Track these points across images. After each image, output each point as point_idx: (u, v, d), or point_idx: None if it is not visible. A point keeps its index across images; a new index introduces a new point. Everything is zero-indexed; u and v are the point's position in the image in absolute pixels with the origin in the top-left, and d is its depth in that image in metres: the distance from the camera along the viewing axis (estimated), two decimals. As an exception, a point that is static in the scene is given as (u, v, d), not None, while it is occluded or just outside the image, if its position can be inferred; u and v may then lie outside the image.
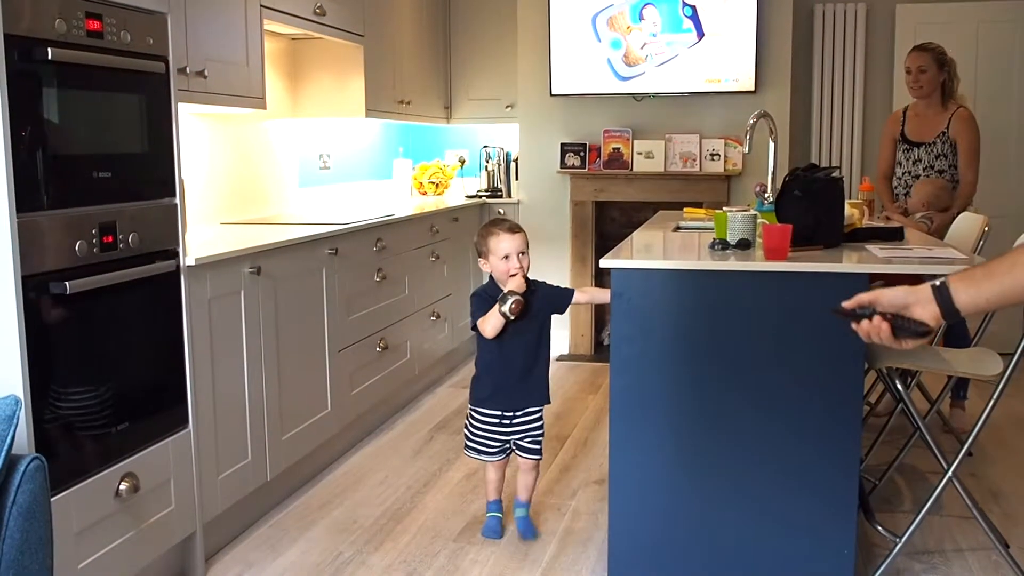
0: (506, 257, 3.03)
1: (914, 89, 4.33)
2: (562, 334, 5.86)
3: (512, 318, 2.96)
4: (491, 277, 3.12)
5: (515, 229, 3.09)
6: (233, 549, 3.11)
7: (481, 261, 3.14)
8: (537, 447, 3.16)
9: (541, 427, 3.16)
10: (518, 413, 3.12)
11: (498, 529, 3.17)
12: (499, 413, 3.11)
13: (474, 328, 3.08)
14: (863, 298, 1.58)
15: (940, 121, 4.28)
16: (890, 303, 1.56)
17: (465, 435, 3.19)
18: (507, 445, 3.15)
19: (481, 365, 3.15)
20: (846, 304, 1.61)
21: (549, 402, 3.17)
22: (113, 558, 2.50)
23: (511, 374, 3.09)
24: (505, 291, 2.99)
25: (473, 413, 3.15)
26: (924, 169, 4.30)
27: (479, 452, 3.16)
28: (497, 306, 2.96)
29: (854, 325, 1.59)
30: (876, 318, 1.55)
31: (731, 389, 2.62)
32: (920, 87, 4.29)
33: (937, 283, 1.54)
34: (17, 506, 1.79)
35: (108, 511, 2.47)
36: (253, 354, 3.18)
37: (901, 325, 1.54)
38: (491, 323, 2.99)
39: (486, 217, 5.91)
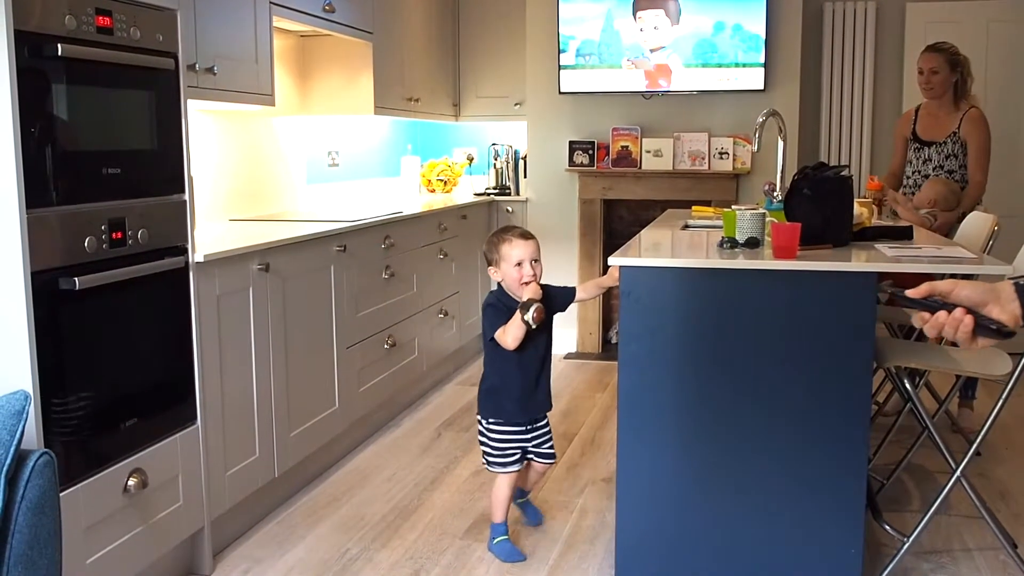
0: (519, 264, 2.94)
1: (926, 90, 4.31)
2: (570, 332, 5.86)
3: (535, 327, 2.84)
4: (499, 285, 3.03)
5: (527, 235, 3.00)
6: (241, 545, 3.12)
7: (491, 269, 3.03)
8: (553, 451, 3.12)
9: (551, 429, 3.13)
10: (537, 422, 3.06)
11: (513, 549, 3.02)
12: (523, 427, 3.02)
13: (491, 340, 2.94)
14: (939, 287, 1.45)
15: (952, 121, 4.26)
16: (966, 297, 1.44)
17: (484, 452, 3.03)
18: (524, 455, 3.06)
19: (497, 378, 3.00)
20: (913, 293, 1.46)
21: (552, 406, 3.12)
22: (121, 553, 2.51)
23: (528, 383, 2.99)
24: (524, 299, 2.87)
25: (489, 430, 3.01)
26: (934, 169, 4.28)
27: (504, 465, 3.01)
28: (519, 314, 2.84)
29: (922, 316, 1.45)
30: (959, 311, 1.42)
31: (739, 388, 2.62)
32: (932, 88, 4.27)
33: (1022, 281, 1.44)
34: (26, 501, 1.80)
35: (116, 507, 2.48)
36: (261, 351, 3.19)
37: (981, 323, 1.42)
38: (513, 334, 2.87)
39: (494, 215, 5.91)
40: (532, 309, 2.82)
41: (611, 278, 3.01)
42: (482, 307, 3.03)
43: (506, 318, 2.89)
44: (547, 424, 3.09)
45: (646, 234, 3.39)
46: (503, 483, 3.03)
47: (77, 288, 2.28)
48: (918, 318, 1.47)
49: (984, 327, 1.42)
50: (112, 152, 2.46)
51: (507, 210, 5.89)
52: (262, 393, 3.20)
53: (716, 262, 2.62)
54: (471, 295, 5.57)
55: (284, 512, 3.39)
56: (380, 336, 4.21)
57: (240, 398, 3.08)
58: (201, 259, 2.81)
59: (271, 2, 3.69)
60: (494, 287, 3.10)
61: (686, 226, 3.71)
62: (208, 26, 3.27)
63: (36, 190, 2.18)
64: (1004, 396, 2.71)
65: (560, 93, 5.64)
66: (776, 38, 5.41)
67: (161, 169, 2.67)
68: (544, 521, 3.23)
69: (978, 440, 2.79)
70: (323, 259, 3.64)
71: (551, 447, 3.10)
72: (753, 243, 2.79)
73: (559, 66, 5.57)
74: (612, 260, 2.65)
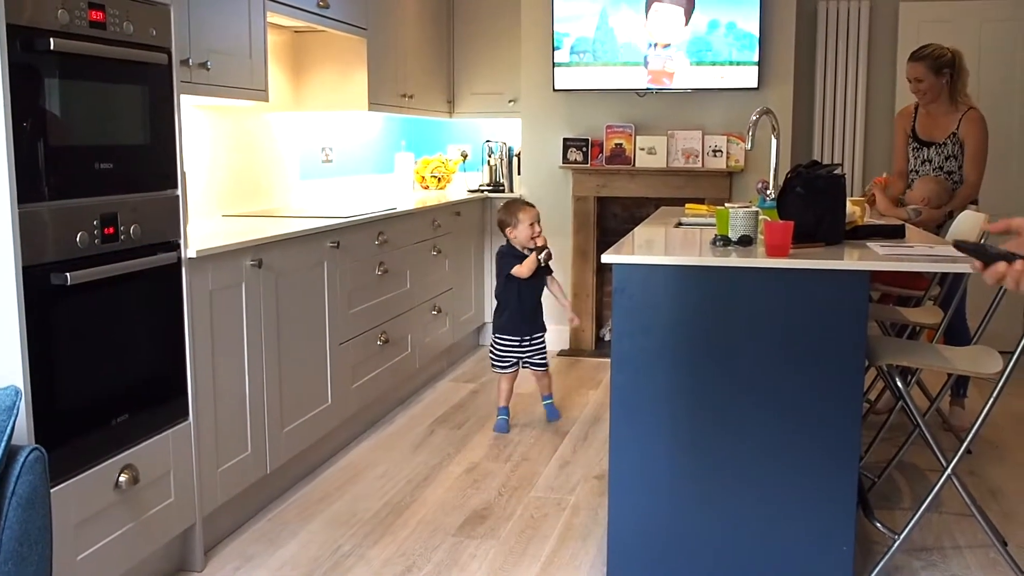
0: (531, 224, 4.29)
1: (918, 96, 4.30)
2: (563, 329, 5.85)
3: (544, 264, 4.29)
4: (508, 242, 4.36)
5: (532, 205, 4.41)
6: (232, 542, 3.11)
7: (508, 229, 4.33)
8: (543, 361, 4.43)
9: (544, 347, 4.43)
10: (529, 338, 4.35)
11: (506, 427, 4.29)
12: (517, 339, 4.33)
13: (507, 277, 4.30)
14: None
15: (950, 122, 4.23)
16: None
17: (490, 359, 4.42)
18: (518, 362, 4.37)
19: (506, 306, 4.36)
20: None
21: (546, 329, 4.45)
22: (112, 550, 2.50)
23: (526, 309, 4.33)
24: (538, 246, 4.29)
25: (497, 339, 4.37)
26: (933, 170, 4.27)
27: (503, 369, 4.37)
28: (534, 255, 4.26)
29: (977, 266, 1.45)
30: (1020, 263, 1.40)
31: (731, 385, 2.62)
32: (923, 94, 4.25)
33: None
34: (16, 497, 1.80)
35: (107, 503, 2.48)
36: (254, 347, 3.18)
37: None
38: (528, 267, 4.26)
39: (488, 212, 5.92)
40: (544, 252, 4.29)
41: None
42: (498, 255, 4.39)
43: (517, 260, 4.29)
44: (540, 342, 4.41)
45: (639, 231, 3.39)
46: (502, 381, 4.38)
47: (69, 283, 2.28)
48: (972, 266, 1.45)
49: None
50: (104, 147, 2.45)
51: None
52: (254, 389, 3.20)
53: (709, 260, 2.62)
54: (464, 292, 5.57)
55: (276, 509, 3.38)
56: (373, 332, 4.21)
57: (232, 394, 3.07)
58: (194, 255, 2.80)
59: (265, -3, 3.68)
60: (504, 245, 4.43)
61: (679, 224, 3.71)
62: (202, 21, 3.26)
63: (28, 185, 2.17)
64: (995, 394, 2.71)
65: (554, 90, 5.64)
66: (770, 36, 5.41)
67: (154, 164, 2.66)
68: (560, 417, 4.45)
69: (969, 438, 2.80)
70: (316, 255, 3.64)
71: (542, 359, 4.43)
72: (746, 241, 2.80)
73: (553, 63, 5.57)
74: (606, 258, 2.65)
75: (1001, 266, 1.41)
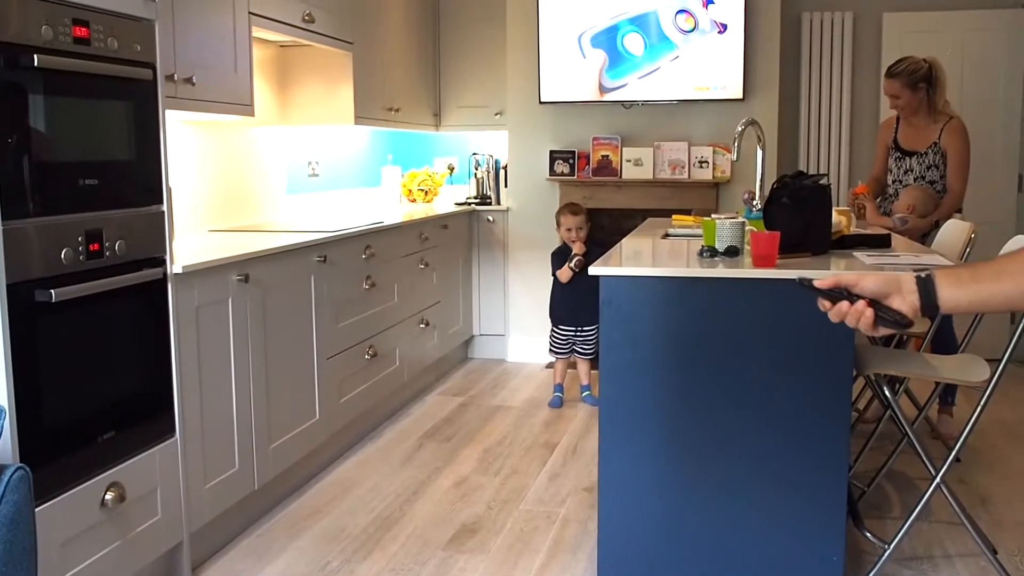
0: (568, 230, 4.86)
1: (897, 111, 4.35)
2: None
3: (577, 271, 4.78)
4: (563, 241, 4.96)
5: (576, 212, 4.90)
6: (220, 559, 3.09)
7: (557, 228, 5.01)
8: (589, 349, 4.93)
9: (594, 339, 4.82)
10: (583, 328, 4.91)
11: (559, 403, 4.90)
12: (573, 329, 4.93)
13: (554, 275, 4.95)
14: (844, 279, 1.53)
15: (932, 132, 4.26)
16: (871, 290, 1.52)
17: (550, 344, 5.04)
18: (572, 349, 4.97)
19: (558, 299, 4.98)
20: (821, 283, 1.55)
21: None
22: (99, 569, 2.48)
23: (572, 304, 4.89)
24: (572, 253, 4.81)
25: (554, 330, 5.00)
26: (915, 179, 4.30)
27: (557, 353, 5.00)
28: (567, 266, 4.82)
29: (826, 305, 1.54)
30: (860, 303, 1.50)
31: (720, 396, 2.62)
32: (902, 110, 4.30)
33: (923, 275, 1.50)
34: (1, 516, 1.78)
35: (94, 521, 2.46)
36: (241, 362, 3.17)
37: (881, 314, 1.49)
38: (564, 274, 4.86)
39: (475, 224, 5.92)
40: (573, 261, 4.79)
41: None
42: (552, 253, 5.00)
43: (561, 262, 4.88)
44: (592, 333, 4.89)
45: (627, 243, 3.39)
46: (558, 364, 5.02)
47: (53, 300, 2.26)
48: (821, 305, 1.56)
49: (884, 318, 1.49)
50: (89, 163, 2.44)
51: (488, 219, 5.89)
52: (242, 405, 3.18)
53: (696, 271, 2.62)
54: (452, 305, 5.56)
55: (264, 525, 3.36)
56: (361, 346, 4.19)
57: (219, 410, 3.06)
58: (179, 270, 2.79)
59: (250, 12, 3.68)
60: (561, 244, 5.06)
61: (666, 235, 3.72)
62: (187, 36, 3.25)
63: (12, 201, 2.16)
64: (983, 402, 2.72)
65: (540, 103, 5.65)
66: (754, 47, 5.44)
67: (139, 180, 2.65)
68: (598, 403, 4.12)
69: (958, 446, 2.81)
70: (303, 269, 3.63)
71: (589, 348, 4.94)
72: (733, 252, 2.80)
73: (539, 75, 5.58)
74: (593, 269, 2.65)
75: (844, 305, 1.52)
